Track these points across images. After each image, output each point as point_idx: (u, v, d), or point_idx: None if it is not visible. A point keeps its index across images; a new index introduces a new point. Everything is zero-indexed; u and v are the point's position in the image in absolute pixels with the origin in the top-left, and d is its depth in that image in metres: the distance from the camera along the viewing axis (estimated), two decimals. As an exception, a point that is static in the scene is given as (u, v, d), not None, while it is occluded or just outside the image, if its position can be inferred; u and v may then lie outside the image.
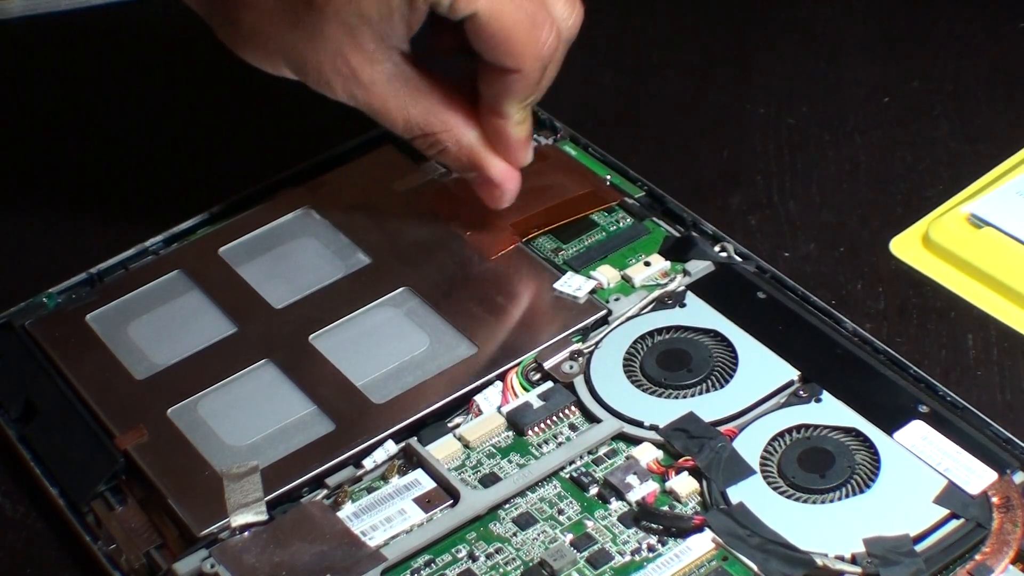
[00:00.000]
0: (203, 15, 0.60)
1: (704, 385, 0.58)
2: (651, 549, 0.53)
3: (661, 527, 0.53)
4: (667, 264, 0.63)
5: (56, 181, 0.73)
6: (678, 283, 0.61)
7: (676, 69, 0.77)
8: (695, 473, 0.54)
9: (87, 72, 0.80)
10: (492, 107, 0.60)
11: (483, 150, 0.61)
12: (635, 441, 0.56)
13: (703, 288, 0.61)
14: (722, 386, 0.57)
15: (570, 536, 0.53)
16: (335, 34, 0.57)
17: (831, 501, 0.53)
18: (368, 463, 0.56)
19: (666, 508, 0.54)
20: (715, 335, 0.59)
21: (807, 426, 0.55)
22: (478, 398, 0.58)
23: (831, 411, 0.56)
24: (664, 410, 0.56)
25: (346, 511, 0.55)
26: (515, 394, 0.58)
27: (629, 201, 0.66)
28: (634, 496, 0.54)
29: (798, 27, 0.78)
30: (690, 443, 0.55)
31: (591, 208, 0.65)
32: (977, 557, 0.51)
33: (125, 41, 0.81)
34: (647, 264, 0.62)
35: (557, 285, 0.61)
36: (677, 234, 0.64)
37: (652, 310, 0.61)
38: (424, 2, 0.56)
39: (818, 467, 0.54)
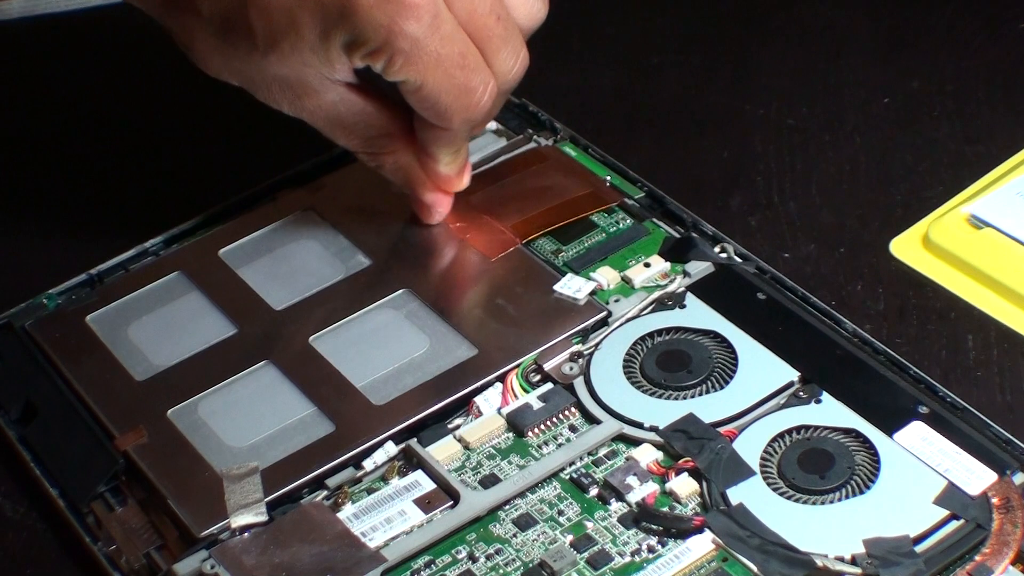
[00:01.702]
0: (164, 29, 0.62)
1: (704, 386, 0.58)
2: (651, 550, 0.53)
3: (661, 528, 0.53)
4: (667, 265, 0.63)
5: (56, 181, 0.73)
6: (678, 284, 0.62)
7: (676, 69, 0.77)
8: (695, 474, 0.54)
9: (87, 72, 0.80)
10: (423, 147, 0.62)
11: (417, 174, 0.63)
12: (635, 442, 0.56)
13: (703, 289, 0.61)
14: (722, 387, 0.57)
15: (570, 537, 0.53)
16: (279, 71, 0.59)
17: (831, 502, 0.53)
18: (368, 464, 0.56)
19: (666, 509, 0.54)
20: (715, 336, 0.59)
21: (807, 427, 0.55)
22: (478, 399, 0.58)
23: (831, 412, 0.56)
24: (664, 411, 0.56)
25: (346, 512, 0.55)
26: (515, 395, 0.58)
27: (629, 202, 0.66)
28: (634, 497, 0.54)
29: (798, 27, 0.78)
30: (690, 444, 0.55)
31: (591, 209, 0.65)
32: (977, 558, 0.51)
33: (125, 41, 0.81)
34: (647, 265, 0.62)
35: (557, 287, 0.61)
36: (677, 235, 0.64)
37: (652, 311, 0.61)
38: (360, 60, 0.57)
39: (818, 468, 0.54)
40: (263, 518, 0.54)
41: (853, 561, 0.51)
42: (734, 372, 0.58)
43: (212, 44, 0.60)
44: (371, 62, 0.57)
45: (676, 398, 0.57)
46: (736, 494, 0.53)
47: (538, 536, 0.54)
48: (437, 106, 0.58)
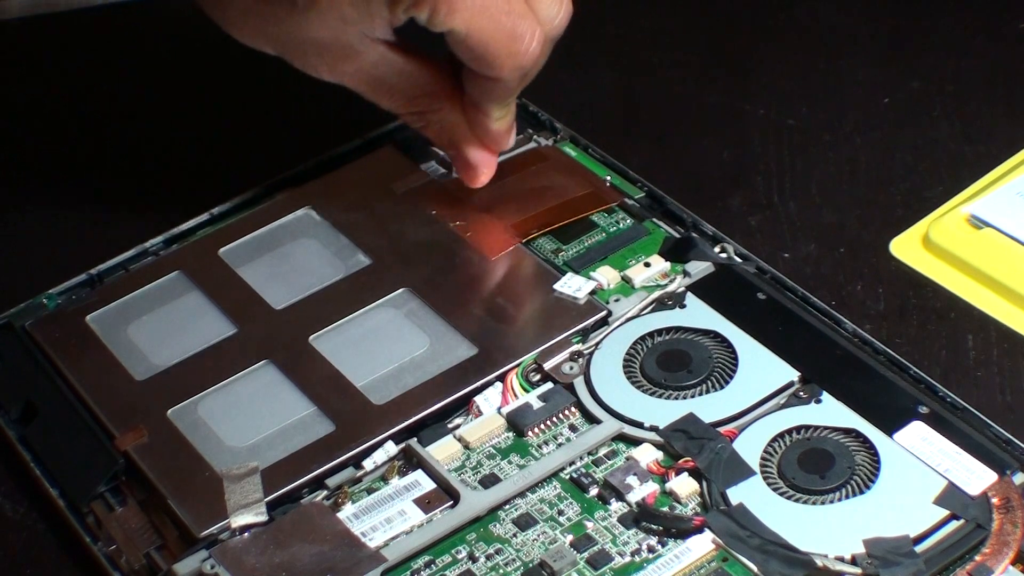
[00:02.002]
0: None
1: (704, 386, 0.58)
2: (651, 550, 0.53)
3: (661, 528, 0.53)
4: (667, 265, 0.63)
5: (56, 181, 0.73)
6: (678, 284, 0.62)
7: (676, 69, 0.77)
8: (695, 474, 0.54)
9: (87, 72, 0.80)
10: (473, 103, 0.61)
11: (464, 132, 0.62)
12: (635, 442, 0.56)
13: (703, 289, 0.61)
14: (722, 387, 0.57)
15: (570, 537, 0.53)
16: (318, 32, 0.58)
17: (831, 502, 0.53)
18: (368, 464, 0.56)
19: (666, 509, 0.54)
20: (715, 336, 0.59)
21: (807, 427, 0.55)
22: (478, 399, 0.58)
23: (831, 412, 0.56)
24: (664, 411, 0.56)
25: (346, 512, 0.55)
26: (515, 395, 0.58)
27: (629, 202, 0.66)
28: (634, 497, 0.54)
29: (798, 27, 0.78)
30: (690, 444, 0.55)
31: (591, 209, 0.65)
32: (977, 558, 0.51)
33: (125, 41, 0.81)
34: (647, 265, 0.62)
35: (557, 286, 0.61)
36: (677, 235, 0.64)
37: (652, 311, 0.61)
38: (403, 12, 0.57)
39: (818, 468, 0.54)
40: (263, 518, 0.54)
41: (853, 561, 0.51)
42: (734, 372, 0.58)
43: (247, 7, 0.59)
44: (415, 13, 0.57)
45: (676, 398, 0.57)
46: (736, 494, 0.53)
47: (538, 536, 0.54)
48: (486, 54, 0.57)
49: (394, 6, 0.57)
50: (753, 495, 0.53)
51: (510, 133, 0.63)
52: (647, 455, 0.55)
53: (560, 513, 0.54)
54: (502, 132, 0.63)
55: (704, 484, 0.54)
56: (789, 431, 0.55)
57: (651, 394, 0.57)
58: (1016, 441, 0.54)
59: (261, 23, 0.59)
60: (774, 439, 0.55)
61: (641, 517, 0.53)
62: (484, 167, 0.64)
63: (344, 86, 0.61)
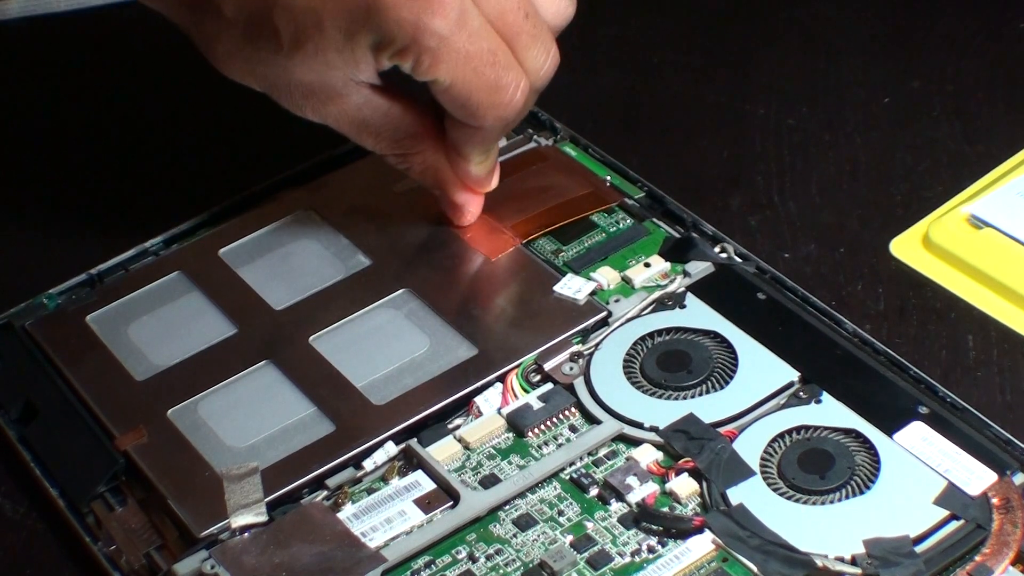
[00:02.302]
0: (183, 30, 0.62)
1: (704, 386, 0.58)
2: (651, 550, 0.53)
3: (661, 528, 0.53)
4: (667, 265, 0.63)
5: (56, 181, 0.73)
6: (678, 284, 0.62)
7: (676, 69, 0.77)
8: (695, 474, 0.54)
9: (87, 72, 0.80)
10: (454, 148, 0.61)
11: (447, 174, 0.63)
12: (635, 442, 0.56)
13: (703, 289, 0.61)
14: (722, 387, 0.57)
15: (570, 537, 0.53)
16: (303, 75, 0.58)
17: (831, 502, 0.53)
18: (368, 464, 0.56)
19: (666, 509, 0.54)
20: (715, 336, 0.59)
21: (807, 427, 0.55)
22: (478, 399, 0.58)
23: (831, 412, 0.56)
24: (664, 411, 0.56)
25: (346, 512, 0.55)
26: (515, 395, 0.58)
27: (629, 202, 0.66)
28: (634, 497, 0.54)
29: (798, 27, 0.78)
30: (690, 444, 0.55)
31: (591, 209, 0.65)
32: (977, 558, 0.51)
33: (125, 41, 0.81)
34: (647, 265, 0.62)
35: (557, 287, 0.61)
36: (677, 235, 0.64)
37: (652, 311, 0.61)
38: (388, 60, 0.57)
39: (818, 468, 0.54)
40: (263, 518, 0.54)
41: (853, 561, 0.51)
42: (734, 372, 0.58)
43: (235, 47, 0.59)
44: (399, 62, 0.57)
45: (676, 398, 0.57)
46: (736, 494, 0.53)
47: (538, 536, 0.54)
48: (468, 105, 0.58)
49: (379, 54, 0.57)
50: (753, 495, 0.53)
51: (491, 176, 0.63)
52: (647, 455, 0.55)
53: (560, 513, 0.54)
54: (483, 176, 0.63)
55: (704, 484, 0.54)
56: (789, 431, 0.55)
57: (651, 394, 0.57)
58: (1016, 441, 0.54)
59: (247, 63, 0.59)
60: (774, 439, 0.55)
61: (641, 517, 0.53)
62: (469, 207, 0.64)
63: (328, 126, 0.61)
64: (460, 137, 0.61)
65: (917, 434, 0.55)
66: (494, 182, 0.64)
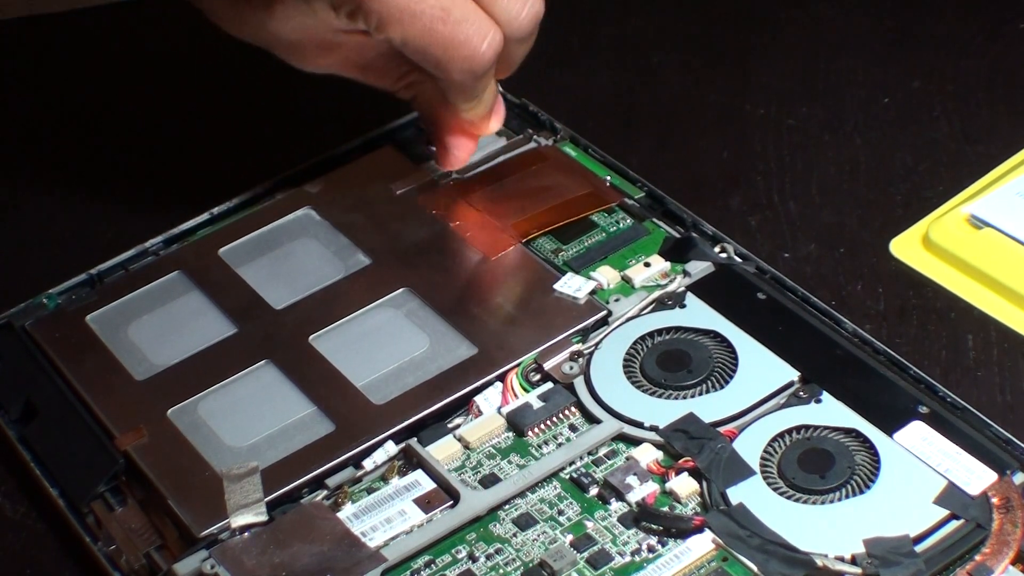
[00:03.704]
0: None
1: (704, 386, 0.58)
2: (651, 550, 0.53)
3: (661, 528, 0.53)
4: (667, 265, 0.63)
5: (56, 181, 0.73)
6: (678, 284, 0.62)
7: (676, 69, 0.77)
8: (695, 474, 0.54)
9: (87, 72, 0.80)
10: (442, 94, 0.61)
11: (441, 113, 0.63)
12: (635, 442, 0.56)
13: (703, 289, 0.61)
14: (722, 387, 0.57)
15: (570, 537, 0.53)
16: (290, 34, 0.60)
17: (831, 502, 0.53)
18: (368, 464, 0.56)
19: (666, 509, 0.54)
20: (715, 336, 0.59)
21: (807, 427, 0.55)
22: (478, 399, 0.58)
23: (831, 412, 0.56)
24: (664, 411, 0.56)
25: (346, 512, 0.55)
26: (515, 395, 0.58)
27: (629, 202, 0.66)
28: (634, 497, 0.54)
29: (798, 27, 0.78)
30: (690, 444, 0.55)
31: (591, 209, 0.65)
32: (977, 558, 0.51)
33: (125, 41, 0.81)
34: (647, 265, 0.62)
35: (557, 286, 0.61)
36: (677, 235, 0.64)
37: (652, 311, 0.61)
38: (345, 21, 0.57)
39: (818, 468, 0.54)
40: (263, 518, 0.54)
41: (853, 561, 0.51)
42: (734, 372, 0.58)
43: (229, 8, 0.60)
44: (352, 22, 0.57)
45: (676, 398, 0.57)
46: (736, 494, 0.53)
47: (538, 536, 0.54)
48: (427, 60, 0.58)
49: (336, 14, 0.57)
50: (753, 495, 0.53)
51: (486, 121, 0.63)
52: (647, 455, 0.55)
53: (560, 513, 0.54)
54: (475, 121, 0.63)
55: (704, 484, 0.54)
56: (789, 431, 0.55)
57: (651, 394, 0.57)
58: (1016, 441, 0.54)
59: (242, 22, 0.60)
60: (774, 439, 0.55)
61: (641, 517, 0.53)
62: (455, 150, 0.64)
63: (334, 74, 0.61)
64: (441, 85, 0.60)
65: (917, 434, 0.55)
66: (493, 126, 0.64)
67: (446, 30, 0.57)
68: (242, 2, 0.59)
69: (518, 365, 0.59)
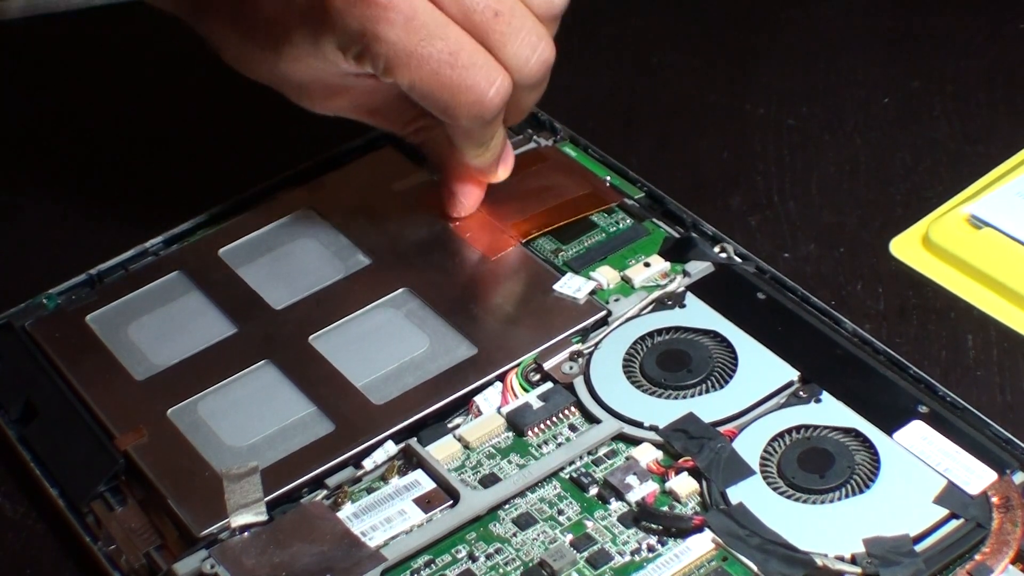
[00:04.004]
0: (194, 28, 0.63)
1: (704, 386, 0.58)
2: (651, 549, 0.53)
3: (661, 527, 0.53)
4: (667, 265, 0.63)
5: (56, 181, 0.73)
6: (678, 284, 0.62)
7: (676, 69, 0.77)
8: (695, 473, 0.54)
9: (87, 72, 0.80)
10: (450, 139, 0.61)
11: (449, 159, 0.63)
12: (635, 442, 0.56)
13: (703, 289, 0.61)
14: (722, 387, 0.57)
15: (570, 536, 0.53)
16: (299, 76, 0.60)
17: (831, 501, 0.53)
18: (368, 464, 0.56)
19: (666, 508, 0.54)
20: (715, 336, 0.59)
21: (807, 426, 0.55)
22: (478, 399, 0.58)
23: (831, 411, 0.56)
24: (664, 411, 0.56)
25: (346, 511, 0.55)
26: (515, 395, 0.58)
27: (629, 202, 0.66)
28: (634, 496, 0.54)
29: (798, 27, 0.78)
30: (690, 443, 0.55)
31: (591, 209, 0.65)
32: (977, 557, 0.51)
33: (125, 41, 0.81)
34: (647, 265, 0.62)
35: (557, 286, 0.61)
36: (677, 235, 0.64)
37: (652, 311, 0.61)
38: (353, 64, 0.57)
39: (818, 467, 0.54)
40: (263, 518, 0.54)
41: (853, 560, 0.51)
42: (734, 372, 0.58)
43: (237, 49, 0.60)
44: (360, 65, 0.57)
45: (676, 397, 0.57)
46: (736, 493, 0.53)
47: (538, 535, 0.54)
48: (434, 104, 0.57)
49: (344, 57, 0.57)
50: (753, 494, 0.53)
51: (494, 168, 0.63)
52: (647, 455, 0.55)
53: (560, 512, 0.54)
54: (483, 168, 0.62)
55: (704, 483, 0.54)
56: (789, 431, 0.55)
57: (651, 394, 0.57)
58: (1016, 440, 0.54)
59: (252, 64, 0.60)
60: (774, 439, 0.55)
61: (641, 516, 0.53)
62: (463, 197, 0.64)
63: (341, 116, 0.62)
64: (449, 131, 0.60)
65: (917, 433, 0.55)
66: (501, 174, 0.63)
67: (453, 75, 0.56)
68: (250, 42, 0.59)
69: (518, 365, 0.59)
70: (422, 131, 0.63)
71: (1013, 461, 0.53)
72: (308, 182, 0.68)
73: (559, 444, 0.56)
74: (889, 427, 0.55)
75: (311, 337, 0.61)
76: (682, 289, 0.61)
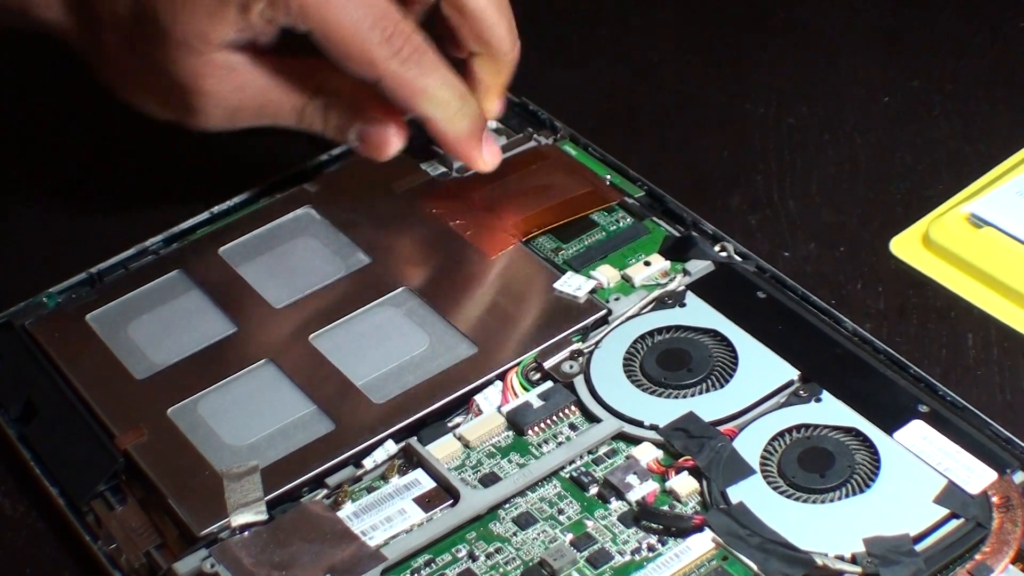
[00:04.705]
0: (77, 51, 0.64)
1: (704, 385, 0.58)
2: (651, 549, 0.53)
3: (661, 527, 0.53)
4: (667, 264, 0.63)
5: (56, 181, 0.73)
6: (678, 283, 0.62)
7: (676, 69, 0.77)
8: (695, 473, 0.54)
9: (87, 72, 0.80)
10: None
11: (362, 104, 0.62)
12: (635, 441, 0.56)
13: (703, 288, 0.61)
14: (722, 386, 0.57)
15: (570, 536, 0.53)
16: (183, 65, 0.60)
17: (831, 501, 0.53)
18: (368, 463, 0.56)
19: (666, 508, 0.54)
20: (715, 335, 0.59)
21: (807, 426, 0.55)
22: (478, 398, 0.58)
23: (831, 411, 0.56)
24: (664, 410, 0.56)
25: (346, 511, 0.55)
26: (515, 394, 0.58)
27: (629, 201, 0.66)
28: (634, 496, 0.54)
29: (798, 27, 0.78)
30: (690, 443, 0.55)
31: (591, 208, 0.65)
32: (977, 557, 0.51)
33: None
34: (647, 264, 0.62)
35: (557, 285, 0.61)
36: (677, 234, 0.64)
37: (652, 310, 0.61)
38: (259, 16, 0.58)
39: (818, 467, 0.54)
40: (263, 517, 0.54)
41: (853, 560, 0.51)
42: (734, 371, 0.58)
43: (124, 52, 0.61)
44: (271, 18, 0.58)
45: (676, 397, 0.57)
46: (736, 493, 0.53)
47: (538, 535, 0.54)
48: (346, 50, 0.58)
49: (251, 15, 0.58)
50: (753, 494, 0.53)
51: (476, 144, 0.63)
52: (647, 454, 0.55)
53: (560, 512, 0.54)
54: (459, 137, 0.62)
55: (704, 483, 0.54)
56: (789, 430, 0.55)
57: (651, 393, 0.57)
58: (1016, 440, 0.54)
59: (137, 77, 0.61)
60: (774, 438, 0.55)
61: (641, 516, 0.53)
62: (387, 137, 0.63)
63: (247, 128, 0.62)
64: (387, 92, 0.60)
65: (917, 433, 0.55)
66: (488, 159, 0.64)
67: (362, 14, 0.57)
68: (143, 30, 0.59)
69: (518, 364, 0.59)
70: (329, 113, 0.62)
71: (1013, 460, 0.53)
72: (308, 181, 0.68)
73: (559, 443, 0.56)
74: (889, 426, 0.55)
75: (311, 336, 0.61)
76: (682, 288, 0.61)
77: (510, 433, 0.57)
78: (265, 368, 0.60)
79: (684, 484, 0.54)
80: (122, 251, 0.66)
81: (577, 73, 0.76)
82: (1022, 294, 0.61)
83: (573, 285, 0.61)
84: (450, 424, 0.58)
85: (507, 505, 0.55)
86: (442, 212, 0.65)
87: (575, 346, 0.59)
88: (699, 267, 0.62)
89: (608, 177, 0.67)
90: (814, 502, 0.53)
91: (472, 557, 0.53)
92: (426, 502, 0.55)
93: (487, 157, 0.63)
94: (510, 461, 0.56)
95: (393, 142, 0.63)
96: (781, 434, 0.55)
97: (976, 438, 0.54)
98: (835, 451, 0.54)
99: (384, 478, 0.56)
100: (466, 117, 0.62)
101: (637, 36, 0.79)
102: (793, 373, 0.57)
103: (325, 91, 0.62)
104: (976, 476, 0.53)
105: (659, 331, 0.60)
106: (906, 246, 0.65)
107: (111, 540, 0.56)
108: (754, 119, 0.73)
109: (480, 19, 0.62)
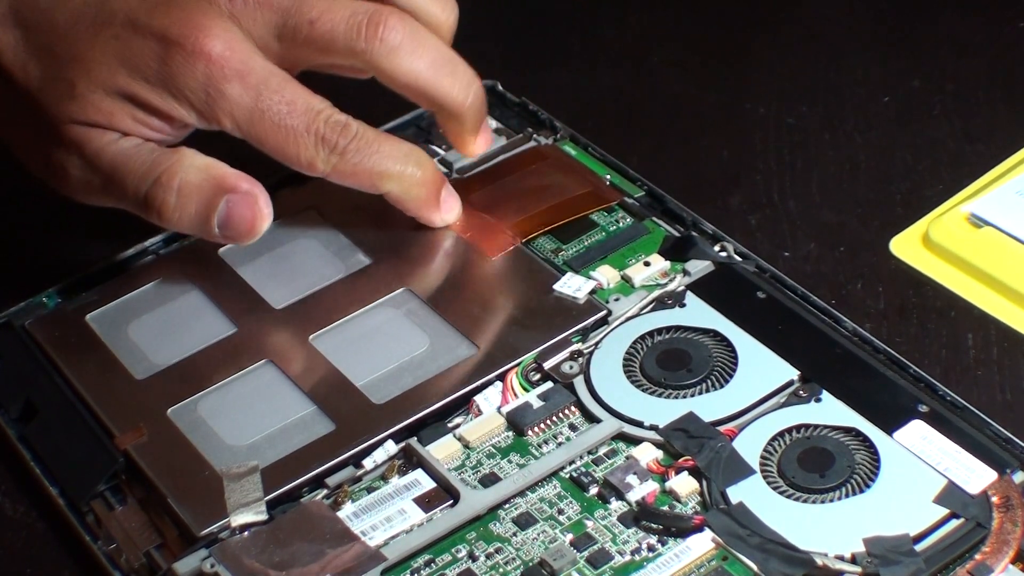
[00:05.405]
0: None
1: (704, 385, 0.58)
2: (651, 549, 0.53)
3: (661, 527, 0.53)
4: (667, 264, 0.63)
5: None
6: (678, 283, 0.62)
7: (676, 69, 0.77)
8: (695, 473, 0.54)
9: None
10: None
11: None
12: (635, 441, 0.56)
13: (703, 288, 0.61)
14: (722, 386, 0.57)
15: (570, 536, 0.53)
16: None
17: (831, 501, 0.53)
18: (368, 463, 0.56)
19: (666, 508, 0.54)
20: (715, 335, 0.59)
21: (807, 426, 0.55)
22: (478, 398, 0.58)
23: (831, 411, 0.56)
24: (664, 410, 0.56)
25: (346, 511, 0.55)
26: (515, 394, 0.58)
27: (629, 201, 0.66)
28: (634, 496, 0.54)
29: (798, 27, 0.78)
30: (690, 443, 0.55)
31: (591, 208, 0.65)
32: (977, 557, 0.51)
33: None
34: (647, 264, 0.62)
35: (557, 285, 0.61)
36: (677, 234, 0.64)
37: (652, 310, 0.61)
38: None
39: (818, 467, 0.54)
40: (263, 517, 0.54)
41: (853, 560, 0.51)
42: (734, 371, 0.58)
43: (19, 120, 0.61)
44: (209, 123, 0.60)
45: (676, 397, 0.57)
46: (736, 493, 0.53)
47: (538, 535, 0.54)
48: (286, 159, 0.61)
49: (196, 118, 0.60)
50: (753, 494, 0.53)
51: (472, 138, 0.65)
52: (647, 454, 0.55)
53: (560, 512, 0.54)
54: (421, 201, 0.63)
55: (704, 483, 0.54)
56: (789, 430, 0.55)
57: (651, 393, 0.57)
58: (1016, 440, 0.54)
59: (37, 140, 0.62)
60: (774, 438, 0.55)
61: (641, 516, 0.53)
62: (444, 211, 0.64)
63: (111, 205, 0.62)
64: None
65: (917, 433, 0.55)
66: (481, 145, 0.65)
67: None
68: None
69: (518, 365, 0.59)
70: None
71: (1013, 460, 0.53)
72: (308, 182, 0.68)
73: (559, 443, 0.56)
74: (889, 426, 0.55)
75: (311, 337, 0.61)
76: (682, 288, 0.61)
77: (510, 433, 0.57)
78: (265, 368, 0.60)
79: (684, 484, 0.54)
80: (122, 251, 0.66)
81: (577, 73, 0.76)
82: (1022, 294, 0.62)
83: (573, 286, 0.61)
84: (450, 424, 0.58)
85: (507, 505, 0.55)
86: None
87: (575, 347, 0.59)
88: (699, 267, 0.62)
89: (608, 177, 0.67)
90: (814, 502, 0.53)
91: (472, 557, 0.53)
92: (426, 502, 0.55)
93: (445, 215, 0.64)
94: (510, 461, 0.56)
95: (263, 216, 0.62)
96: (781, 434, 0.55)
97: (976, 438, 0.54)
98: (835, 451, 0.54)
99: (384, 478, 0.56)
100: (422, 185, 0.62)
101: (637, 36, 0.79)
102: (793, 373, 0.57)
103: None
104: (976, 476, 0.53)
105: (659, 331, 0.60)
106: (906, 246, 0.65)
107: (111, 540, 0.56)
108: (754, 119, 0.73)
109: (416, 86, 0.62)
